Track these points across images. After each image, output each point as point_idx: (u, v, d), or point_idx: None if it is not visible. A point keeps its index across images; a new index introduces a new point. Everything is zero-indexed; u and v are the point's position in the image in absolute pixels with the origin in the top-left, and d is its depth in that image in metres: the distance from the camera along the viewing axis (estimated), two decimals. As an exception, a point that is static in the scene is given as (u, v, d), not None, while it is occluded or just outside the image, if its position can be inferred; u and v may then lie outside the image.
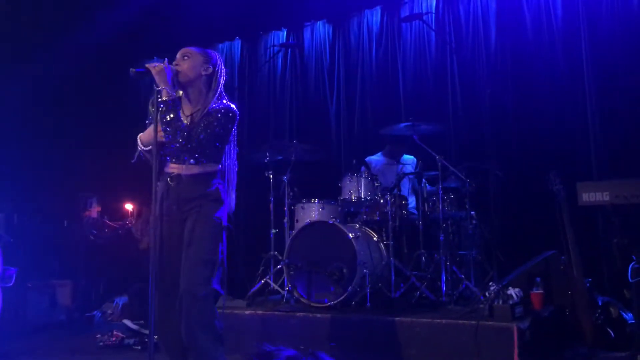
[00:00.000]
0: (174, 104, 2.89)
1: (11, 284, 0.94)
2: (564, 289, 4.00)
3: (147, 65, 2.90)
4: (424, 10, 6.07)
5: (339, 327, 4.05)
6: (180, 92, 2.99)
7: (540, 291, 4.08)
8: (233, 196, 3.16)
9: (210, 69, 3.04)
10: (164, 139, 2.95)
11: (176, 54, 3.06)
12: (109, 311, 6.04)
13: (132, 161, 3.12)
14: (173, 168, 3.01)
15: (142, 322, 4.74)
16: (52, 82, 6.63)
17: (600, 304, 3.90)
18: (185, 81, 3.00)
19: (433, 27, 6.01)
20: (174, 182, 2.99)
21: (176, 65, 2.98)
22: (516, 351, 3.47)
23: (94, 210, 6.76)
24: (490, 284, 4.07)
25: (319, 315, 4.20)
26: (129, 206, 6.86)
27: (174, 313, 2.91)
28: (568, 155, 5.15)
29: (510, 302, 3.75)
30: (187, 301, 2.85)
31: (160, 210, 2.99)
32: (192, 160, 2.98)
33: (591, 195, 3.99)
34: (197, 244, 2.91)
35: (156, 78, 2.87)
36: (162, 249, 2.96)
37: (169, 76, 2.91)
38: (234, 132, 3.11)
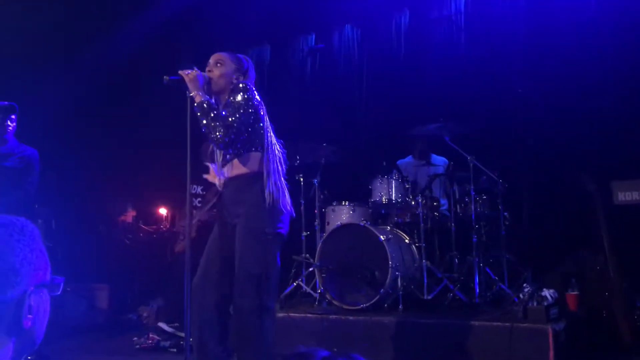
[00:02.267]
0: (209, 107, 2.91)
1: (59, 293, 0.98)
2: (600, 290, 3.94)
3: (180, 72, 2.94)
4: (453, 11, 6.04)
5: (371, 330, 4.05)
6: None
7: (576, 292, 4.02)
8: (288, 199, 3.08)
9: (241, 78, 3.07)
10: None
11: (207, 60, 3.11)
12: (145, 314, 6.13)
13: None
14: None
15: (177, 324, 4.80)
16: (87, 91, 6.77)
17: (638, 305, 3.82)
18: (216, 89, 3.05)
19: (462, 28, 5.98)
20: (222, 186, 3.05)
21: (209, 71, 3.03)
22: (552, 353, 3.43)
23: (129, 215, 6.89)
24: (524, 285, 4.02)
25: (351, 317, 4.21)
26: (162, 211, 6.98)
27: (210, 315, 2.95)
28: (602, 154, 5.06)
29: (545, 303, 3.70)
30: (235, 313, 2.91)
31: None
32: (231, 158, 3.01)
33: (627, 194, 3.93)
34: (240, 256, 2.92)
35: (189, 85, 2.91)
36: (208, 253, 3.01)
37: (201, 83, 2.95)
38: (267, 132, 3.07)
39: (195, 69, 2.98)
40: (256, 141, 2.98)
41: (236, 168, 3.01)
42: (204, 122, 2.87)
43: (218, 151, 3.06)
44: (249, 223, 2.93)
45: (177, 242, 5.50)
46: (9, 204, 3.99)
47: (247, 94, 2.94)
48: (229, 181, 3.03)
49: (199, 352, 2.98)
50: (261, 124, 2.99)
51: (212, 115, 2.87)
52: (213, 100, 3.02)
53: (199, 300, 2.96)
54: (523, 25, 5.70)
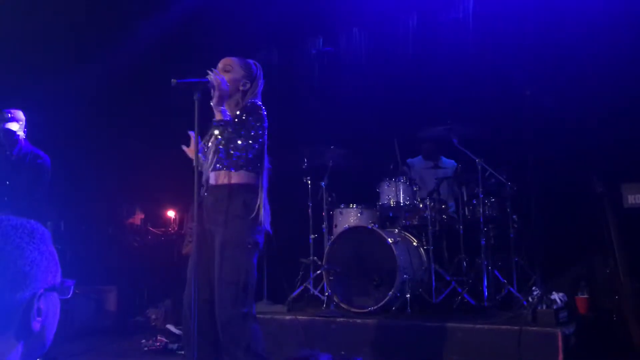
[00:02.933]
0: (226, 125, 2.91)
1: (69, 296, 0.98)
2: (610, 293, 3.91)
3: (211, 75, 2.91)
4: (461, 13, 6.03)
5: (379, 333, 4.04)
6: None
7: (586, 296, 4.00)
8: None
9: (248, 85, 3.07)
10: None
11: (216, 63, 3.11)
12: (153, 316, 6.14)
13: None
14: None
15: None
16: (97, 94, 6.80)
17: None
18: (223, 95, 3.05)
19: (470, 30, 5.96)
20: (206, 191, 3.05)
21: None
22: (561, 357, 3.40)
23: (138, 218, 6.91)
24: (534, 288, 4.00)
25: (359, 320, 4.20)
26: (171, 213, 6.99)
27: (208, 318, 2.96)
28: (612, 157, 5.02)
29: (554, 306, 3.68)
30: (218, 322, 2.91)
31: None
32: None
33: (637, 197, 3.90)
34: (219, 265, 2.93)
35: (216, 95, 2.89)
36: (201, 256, 3.01)
37: (226, 97, 2.95)
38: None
39: (210, 72, 2.98)
40: (255, 163, 3.01)
41: (224, 177, 3.01)
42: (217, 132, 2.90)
43: (211, 156, 3.04)
44: (228, 232, 2.93)
45: (184, 244, 5.51)
46: (20, 209, 4.03)
47: (263, 123, 2.98)
48: (214, 189, 3.03)
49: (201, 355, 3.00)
50: (264, 148, 3.03)
51: (228, 132, 2.91)
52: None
53: (190, 307, 2.97)
54: (532, 27, 5.68)
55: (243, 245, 2.93)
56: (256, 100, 3.08)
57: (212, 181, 3.05)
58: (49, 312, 1.08)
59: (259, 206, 2.97)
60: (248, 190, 3.00)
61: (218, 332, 3.01)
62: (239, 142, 2.95)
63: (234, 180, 3.00)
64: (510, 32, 5.81)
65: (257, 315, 3.01)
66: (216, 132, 2.96)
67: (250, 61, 3.16)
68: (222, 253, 2.93)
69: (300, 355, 2.84)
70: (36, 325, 1.05)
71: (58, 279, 1.10)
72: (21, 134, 4.37)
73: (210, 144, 3.03)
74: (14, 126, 4.33)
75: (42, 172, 4.27)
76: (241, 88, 3.06)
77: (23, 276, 1.03)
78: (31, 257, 1.04)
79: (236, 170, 2.99)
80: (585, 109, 5.29)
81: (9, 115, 4.32)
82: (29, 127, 4.53)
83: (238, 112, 3.02)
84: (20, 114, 4.41)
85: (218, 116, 3.05)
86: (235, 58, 3.09)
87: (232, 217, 2.95)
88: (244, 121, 2.97)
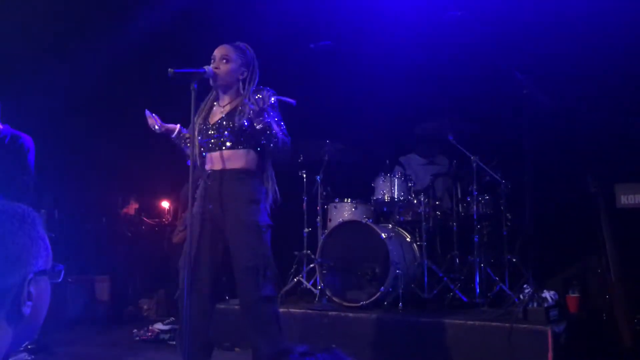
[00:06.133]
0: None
1: (60, 280, 0.98)
2: (601, 293, 3.93)
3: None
4: (464, 8, 6.01)
5: (371, 327, 4.06)
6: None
7: (577, 295, 4.02)
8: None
9: (246, 74, 3.09)
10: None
11: (212, 53, 3.11)
12: (145, 307, 6.16)
13: None
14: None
15: (172, 319, 4.81)
16: (92, 82, 6.77)
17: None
18: (222, 84, 3.06)
19: (469, 27, 5.95)
20: (209, 178, 3.05)
21: (215, 68, 3.03)
22: (550, 354, 3.42)
23: (132, 208, 6.90)
24: (525, 286, 4.02)
25: (351, 314, 4.21)
26: (165, 204, 6.99)
27: (203, 310, 2.97)
28: (606, 157, 5.04)
29: (545, 305, 3.70)
30: (241, 307, 2.98)
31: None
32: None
33: (630, 198, 3.92)
34: (237, 251, 2.97)
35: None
36: (201, 244, 3.02)
37: (210, 76, 2.97)
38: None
39: (207, 68, 2.99)
40: (260, 140, 2.99)
41: (230, 162, 3.01)
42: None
43: (214, 140, 3.03)
44: (241, 217, 2.96)
45: (175, 233, 5.50)
46: (9, 194, 3.95)
47: (270, 104, 2.99)
48: (221, 173, 3.03)
49: (190, 350, 3.01)
50: (271, 127, 3.01)
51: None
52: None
53: (189, 303, 2.98)
54: (530, 26, 5.68)
55: (258, 229, 2.96)
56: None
57: (216, 165, 3.04)
58: (39, 297, 1.08)
59: (268, 189, 3.03)
60: (250, 174, 3.01)
61: (209, 327, 3.05)
62: (245, 124, 2.95)
63: (235, 165, 3.01)
64: (509, 29, 5.82)
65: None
66: (221, 116, 2.98)
67: (243, 46, 3.15)
68: (237, 239, 2.96)
69: (279, 348, 2.87)
70: (27, 310, 1.05)
71: (49, 264, 1.10)
72: None
73: (211, 129, 3.03)
74: None
75: (23, 152, 4.07)
76: (240, 77, 3.07)
77: (13, 260, 1.03)
78: (22, 242, 1.04)
79: (244, 151, 3.00)
80: (581, 108, 5.31)
81: None
82: (23, 113, 4.47)
83: (241, 98, 3.04)
84: None
85: (222, 102, 3.08)
86: (230, 46, 3.09)
87: (245, 201, 2.97)
88: (245, 105, 2.98)
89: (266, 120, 2.87)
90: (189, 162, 3.00)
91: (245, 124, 2.94)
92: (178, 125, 3.15)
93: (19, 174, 4.03)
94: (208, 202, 3.04)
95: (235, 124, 2.96)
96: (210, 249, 3.03)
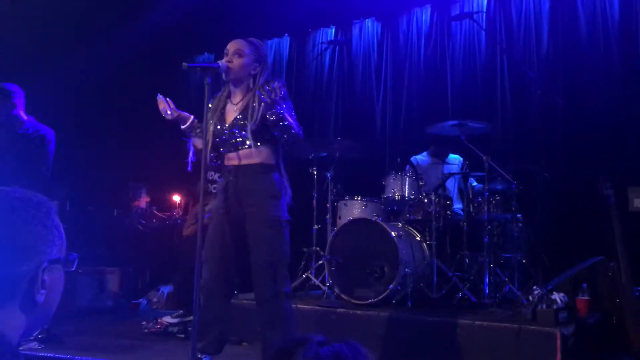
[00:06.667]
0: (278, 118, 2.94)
1: (73, 269, 0.99)
2: (611, 296, 3.91)
3: None
4: (475, 9, 5.99)
5: (379, 325, 4.05)
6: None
7: (587, 297, 3.99)
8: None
9: (258, 69, 3.11)
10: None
11: (225, 47, 3.12)
12: (155, 299, 6.19)
13: None
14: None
15: (181, 312, 4.83)
16: (106, 75, 6.81)
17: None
18: (234, 78, 3.07)
19: (483, 27, 5.93)
20: (230, 174, 3.07)
21: (228, 62, 3.04)
22: (559, 357, 3.41)
23: (143, 201, 6.94)
24: (534, 287, 4.00)
25: (359, 312, 4.21)
26: (176, 197, 7.02)
27: (220, 303, 2.99)
28: (620, 159, 5.01)
29: (554, 307, 3.68)
30: (257, 301, 3.01)
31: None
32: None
33: (643, 201, 3.89)
34: (256, 245, 2.99)
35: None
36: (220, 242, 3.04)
37: (223, 70, 2.99)
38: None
39: (220, 62, 3.01)
40: (274, 132, 3.01)
41: (248, 157, 3.03)
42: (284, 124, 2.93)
43: (233, 140, 3.06)
44: (263, 213, 2.98)
45: (185, 226, 5.52)
46: (27, 185, 4.03)
47: (283, 97, 3.02)
48: (239, 169, 3.05)
49: (203, 342, 3.04)
50: (286, 120, 3.03)
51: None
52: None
53: (207, 296, 3.01)
54: (545, 27, 5.65)
55: (278, 224, 2.99)
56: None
57: (235, 162, 3.06)
58: (53, 285, 1.09)
59: (282, 182, 3.06)
60: (268, 168, 3.04)
61: (224, 320, 3.07)
62: (259, 119, 2.96)
63: (254, 160, 3.03)
64: (523, 29, 5.79)
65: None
66: (236, 115, 3.00)
67: (256, 42, 3.17)
68: (257, 234, 2.98)
69: (295, 337, 2.88)
70: (40, 298, 1.06)
71: (63, 253, 1.12)
72: (22, 109, 4.32)
73: (227, 129, 3.05)
74: (16, 102, 4.28)
75: (44, 144, 4.25)
76: (252, 72, 3.09)
77: (28, 248, 1.04)
78: (36, 230, 1.06)
79: (263, 146, 3.02)
80: (595, 111, 5.27)
81: (11, 92, 4.28)
82: (37, 106, 4.52)
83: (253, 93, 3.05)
84: (18, 88, 4.35)
85: (235, 99, 3.09)
86: (243, 41, 3.11)
87: (265, 196, 2.99)
88: (257, 97, 3.00)
89: (278, 111, 2.87)
90: (192, 158, 3.04)
91: (259, 119, 2.95)
92: (192, 116, 3.15)
93: (39, 165, 4.15)
94: (228, 197, 3.07)
95: (250, 123, 2.97)
96: (230, 243, 3.06)
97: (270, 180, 3.02)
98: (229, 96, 3.17)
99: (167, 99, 3.11)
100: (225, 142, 3.09)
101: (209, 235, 3.10)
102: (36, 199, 1.10)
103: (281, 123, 2.90)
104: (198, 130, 3.12)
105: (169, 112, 3.08)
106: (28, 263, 1.04)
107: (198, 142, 3.12)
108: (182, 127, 3.13)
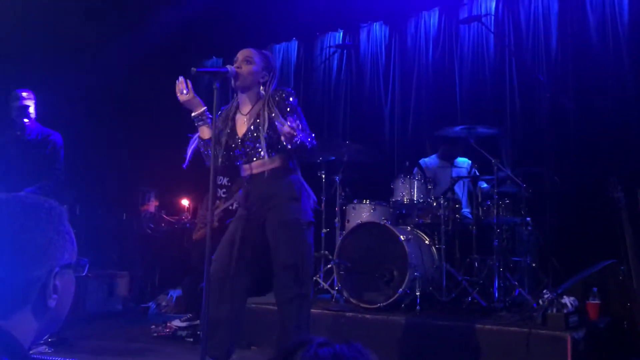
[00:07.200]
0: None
1: (84, 274, 1.00)
2: (622, 300, 3.88)
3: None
4: (483, 12, 5.98)
5: (388, 329, 4.04)
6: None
7: (597, 301, 3.96)
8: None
9: (267, 77, 3.12)
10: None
11: (234, 53, 3.14)
12: (164, 303, 6.21)
13: None
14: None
15: (189, 315, 4.84)
16: (115, 80, 6.85)
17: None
18: (243, 85, 3.08)
19: (492, 30, 5.92)
20: (247, 182, 3.10)
21: (237, 68, 3.06)
22: (569, 361, 3.38)
23: (152, 205, 6.96)
24: (544, 291, 3.97)
25: (368, 316, 4.20)
26: (185, 202, 7.03)
27: (226, 311, 2.99)
28: (630, 161, 4.97)
29: (565, 311, 3.65)
30: (277, 304, 3.01)
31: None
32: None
33: (654, 204, 3.86)
34: (277, 248, 3.00)
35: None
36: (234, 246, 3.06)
37: (232, 75, 2.99)
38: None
39: (229, 67, 3.02)
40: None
41: (263, 165, 3.05)
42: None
43: (248, 152, 3.07)
44: (282, 214, 3.00)
45: (195, 230, 5.53)
46: (41, 189, 4.10)
47: (296, 103, 3.05)
48: (256, 177, 3.07)
49: (211, 345, 3.03)
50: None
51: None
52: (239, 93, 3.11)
53: (216, 296, 3.00)
54: (554, 30, 5.63)
55: (299, 226, 3.00)
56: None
57: (252, 171, 3.08)
58: (64, 290, 1.10)
59: (301, 184, 3.07)
60: (284, 171, 3.06)
61: (239, 324, 3.07)
62: (273, 127, 2.97)
63: (268, 166, 3.04)
64: (532, 33, 5.77)
65: (267, 306, 3.05)
66: (247, 127, 3.01)
67: (266, 51, 3.23)
68: (276, 236, 3.00)
69: (296, 340, 2.87)
70: (52, 302, 1.07)
71: (74, 258, 1.12)
72: (32, 112, 4.40)
73: (240, 142, 3.06)
74: (28, 104, 4.37)
75: (54, 149, 4.35)
76: (261, 80, 3.10)
77: (40, 253, 1.05)
78: (48, 235, 1.06)
79: (277, 154, 3.03)
80: (605, 113, 5.24)
81: (24, 94, 4.37)
82: (46, 110, 4.57)
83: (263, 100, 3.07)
84: (32, 94, 4.45)
85: (245, 109, 3.10)
86: (253, 50, 3.13)
87: (285, 199, 3.01)
88: (271, 107, 3.01)
89: (298, 140, 2.78)
90: (189, 156, 3.06)
91: (272, 135, 2.96)
92: (205, 107, 3.14)
93: (50, 169, 4.23)
94: (250, 206, 3.09)
95: (262, 135, 2.98)
96: (248, 246, 3.07)
97: (288, 183, 3.04)
98: (237, 107, 3.18)
99: (187, 80, 3.08)
100: (239, 155, 3.11)
101: (224, 237, 3.12)
102: (47, 204, 1.10)
103: (301, 149, 2.87)
104: (202, 123, 3.10)
105: (185, 92, 3.04)
106: (40, 268, 1.05)
107: (205, 132, 3.11)
108: (193, 114, 3.12)
